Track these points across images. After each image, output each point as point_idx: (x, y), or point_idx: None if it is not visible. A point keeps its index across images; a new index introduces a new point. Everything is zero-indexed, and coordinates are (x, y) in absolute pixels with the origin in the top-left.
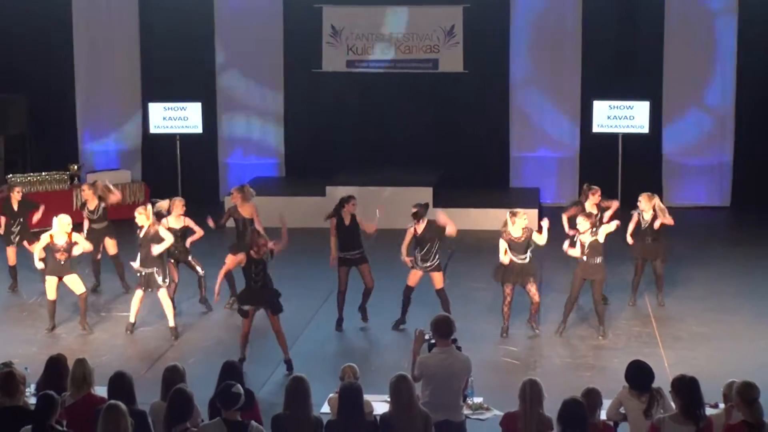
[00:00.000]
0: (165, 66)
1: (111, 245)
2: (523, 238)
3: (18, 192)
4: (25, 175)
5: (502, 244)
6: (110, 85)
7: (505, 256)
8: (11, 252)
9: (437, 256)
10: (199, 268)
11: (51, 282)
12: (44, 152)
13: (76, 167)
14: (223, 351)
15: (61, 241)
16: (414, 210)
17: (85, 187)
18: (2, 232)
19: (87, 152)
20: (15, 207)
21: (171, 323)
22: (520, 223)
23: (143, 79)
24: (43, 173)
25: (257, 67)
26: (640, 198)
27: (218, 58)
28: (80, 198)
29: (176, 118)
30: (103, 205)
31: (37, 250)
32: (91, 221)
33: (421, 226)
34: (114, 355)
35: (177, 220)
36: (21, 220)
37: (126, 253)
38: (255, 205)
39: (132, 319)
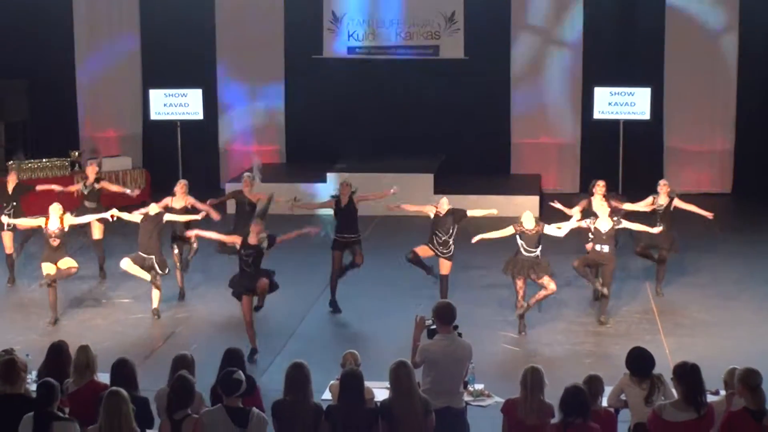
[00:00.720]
0: (166, 52)
1: (97, 229)
2: (534, 231)
3: (14, 175)
4: (26, 161)
5: (509, 231)
6: (111, 71)
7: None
8: (7, 238)
9: (451, 246)
10: (194, 244)
11: (47, 268)
12: (45, 139)
13: (76, 154)
14: (226, 338)
15: (54, 226)
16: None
17: (93, 165)
18: None
19: (88, 138)
20: (9, 190)
21: (155, 305)
22: (530, 219)
23: (144, 66)
24: (44, 160)
25: (258, 53)
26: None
27: (219, 44)
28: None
29: (177, 104)
30: (97, 186)
31: (20, 221)
32: (83, 196)
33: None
34: (115, 342)
35: (180, 200)
36: (14, 204)
37: (115, 241)
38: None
39: (146, 278)
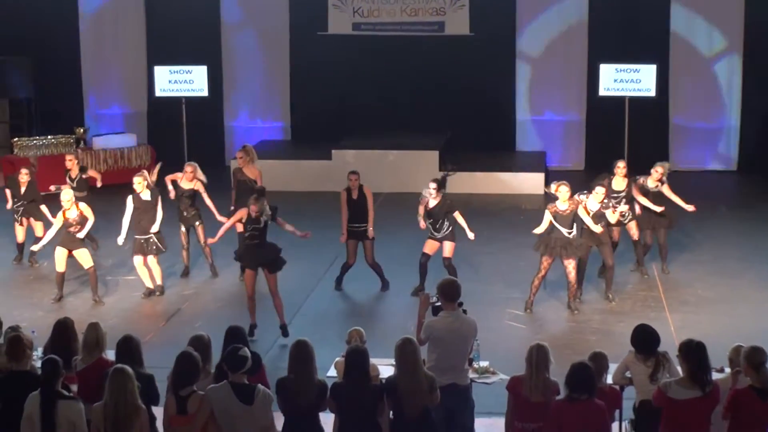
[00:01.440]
0: (171, 29)
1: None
2: (569, 211)
3: (26, 174)
4: (31, 138)
5: (547, 216)
6: (116, 48)
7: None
8: (20, 232)
9: (449, 227)
10: (202, 239)
11: (60, 253)
12: (50, 116)
13: (82, 131)
14: (230, 315)
15: (73, 214)
16: (435, 181)
17: (71, 156)
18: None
19: (92, 115)
20: (22, 191)
21: (158, 281)
22: (564, 193)
23: (149, 42)
24: (49, 137)
25: (263, 29)
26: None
27: (224, 21)
28: (66, 166)
29: (182, 81)
30: (83, 175)
31: (50, 234)
32: (72, 189)
33: (435, 200)
34: (121, 319)
35: (188, 182)
36: (25, 203)
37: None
38: (259, 168)
39: (150, 285)
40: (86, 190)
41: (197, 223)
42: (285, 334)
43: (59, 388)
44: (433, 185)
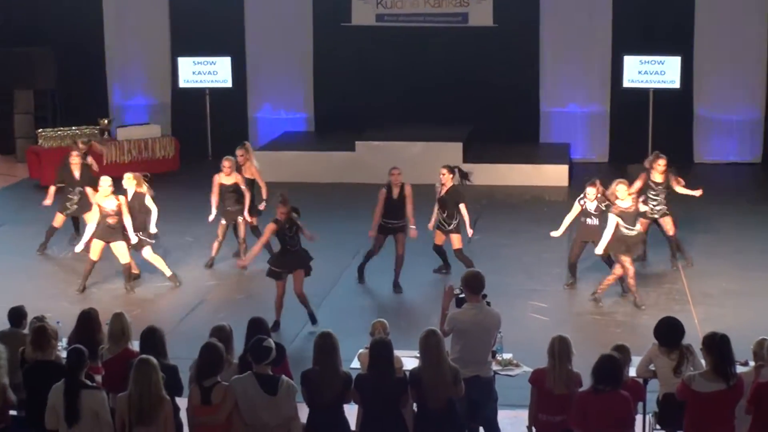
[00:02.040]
0: (195, 20)
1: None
2: (632, 209)
3: (76, 156)
4: (55, 129)
5: (613, 219)
6: (139, 39)
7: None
8: (59, 220)
9: (457, 219)
10: (241, 236)
11: (97, 245)
12: (74, 107)
13: (106, 121)
14: (252, 307)
15: (111, 205)
16: (446, 167)
17: (76, 152)
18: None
19: (116, 106)
20: (77, 175)
21: (167, 273)
22: (623, 191)
23: (172, 34)
24: (73, 128)
25: (287, 21)
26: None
27: (247, 12)
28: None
29: (206, 72)
30: (84, 162)
31: (89, 231)
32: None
33: (445, 188)
34: (145, 310)
35: (230, 177)
36: (80, 190)
37: None
38: (258, 166)
39: (168, 273)
40: (88, 179)
41: (240, 218)
42: (314, 321)
43: (83, 378)
44: (443, 170)
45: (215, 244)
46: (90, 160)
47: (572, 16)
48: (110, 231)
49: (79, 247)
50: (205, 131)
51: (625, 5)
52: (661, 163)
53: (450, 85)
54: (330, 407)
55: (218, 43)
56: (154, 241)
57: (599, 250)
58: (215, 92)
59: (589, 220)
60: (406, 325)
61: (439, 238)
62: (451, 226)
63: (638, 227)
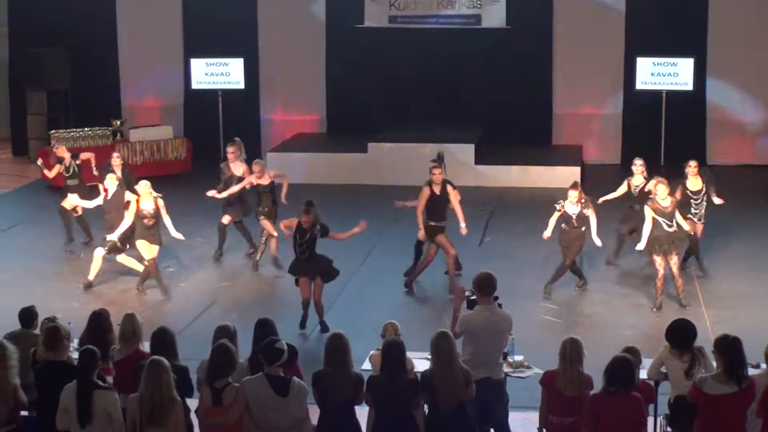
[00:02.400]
0: (207, 21)
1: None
2: (670, 209)
3: (117, 158)
4: (68, 130)
5: (648, 212)
6: (152, 40)
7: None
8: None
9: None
10: (268, 232)
11: (143, 245)
12: (87, 108)
13: (118, 123)
14: (264, 308)
15: (148, 206)
16: (435, 164)
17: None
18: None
19: (129, 108)
20: (118, 173)
21: (91, 277)
22: (663, 191)
23: (185, 35)
24: (86, 129)
25: (299, 22)
26: (636, 162)
27: (260, 13)
28: (55, 157)
29: (218, 73)
30: (77, 161)
31: (124, 225)
32: (66, 177)
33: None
34: (156, 311)
35: (264, 179)
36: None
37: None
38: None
39: (92, 277)
40: (78, 178)
41: (263, 218)
42: (324, 330)
43: (95, 378)
44: (431, 164)
45: (273, 243)
46: (84, 156)
47: (585, 18)
48: (150, 232)
49: (112, 236)
50: (217, 133)
51: (637, 7)
52: (693, 165)
53: (462, 87)
54: (341, 408)
55: (231, 45)
56: (126, 247)
57: (641, 246)
58: (228, 94)
59: (566, 226)
60: (418, 326)
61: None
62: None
63: (674, 226)
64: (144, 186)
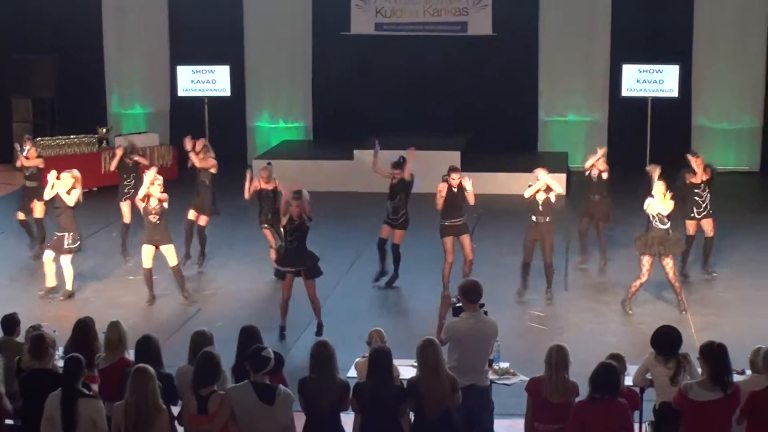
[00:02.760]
0: (193, 29)
1: (38, 208)
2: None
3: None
4: (53, 138)
5: (649, 200)
6: (138, 47)
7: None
8: (126, 207)
9: (404, 214)
10: (269, 242)
11: (147, 251)
12: (72, 115)
13: (104, 130)
14: (250, 315)
15: (153, 202)
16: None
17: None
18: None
19: (115, 115)
20: (131, 162)
21: (68, 286)
22: (669, 204)
23: (171, 42)
24: (71, 136)
25: (285, 29)
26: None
27: (246, 20)
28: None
29: (204, 81)
30: (38, 164)
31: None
32: (25, 178)
33: (397, 179)
34: (141, 319)
35: (269, 184)
36: (135, 175)
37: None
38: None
39: (51, 283)
40: (37, 181)
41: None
42: (319, 333)
43: (80, 386)
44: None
45: (272, 252)
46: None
47: (571, 25)
48: (156, 233)
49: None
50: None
51: (623, 14)
52: (700, 161)
53: (449, 94)
54: (327, 416)
55: (217, 52)
56: (77, 251)
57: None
58: (214, 101)
59: (535, 218)
60: (404, 333)
61: (387, 232)
62: (398, 221)
63: (668, 224)
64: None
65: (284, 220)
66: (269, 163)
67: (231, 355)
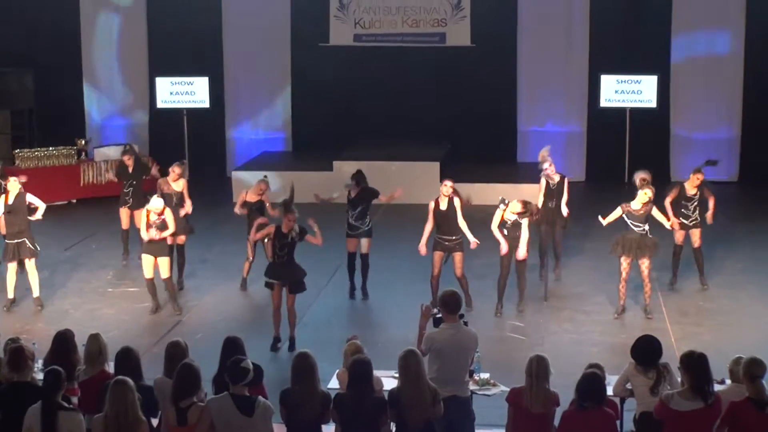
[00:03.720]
0: (172, 40)
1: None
2: (642, 211)
3: (129, 158)
4: (32, 150)
5: (618, 211)
6: (117, 59)
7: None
8: (124, 215)
9: (369, 222)
10: (247, 254)
11: (147, 261)
12: (51, 127)
13: (83, 142)
14: (230, 327)
15: (154, 217)
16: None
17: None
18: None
19: (94, 127)
20: (130, 169)
21: (36, 292)
22: (642, 197)
23: (150, 54)
24: (50, 148)
25: (265, 41)
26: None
27: (225, 32)
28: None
29: (183, 92)
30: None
31: (142, 225)
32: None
33: (356, 192)
34: (122, 331)
35: (254, 195)
36: (134, 182)
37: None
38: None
39: (11, 296)
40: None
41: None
42: (291, 348)
43: (60, 399)
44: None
45: (246, 265)
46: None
47: (549, 35)
48: (158, 246)
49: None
50: (182, 151)
51: (601, 25)
52: (699, 178)
53: (427, 105)
54: (308, 427)
55: (196, 64)
56: (36, 254)
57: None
58: (193, 112)
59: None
60: (383, 345)
61: (353, 245)
62: (361, 230)
63: (646, 226)
64: (155, 202)
65: (260, 236)
66: (266, 176)
67: (210, 367)
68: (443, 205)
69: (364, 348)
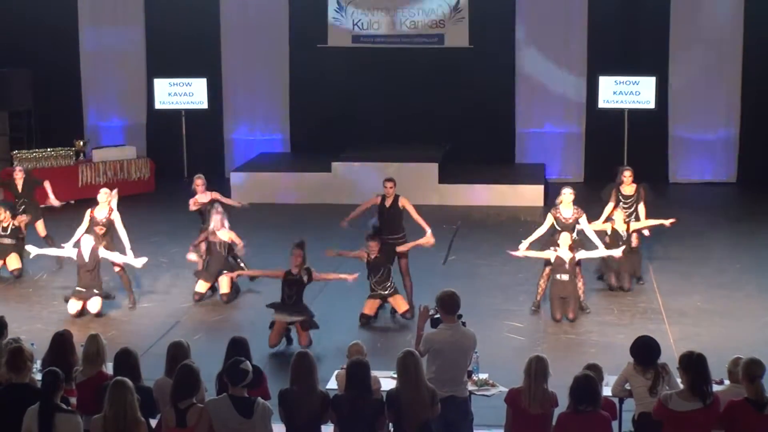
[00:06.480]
0: (170, 41)
1: (40, 226)
2: (571, 221)
3: (20, 171)
4: (30, 151)
5: (549, 219)
6: (115, 60)
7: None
8: (40, 226)
9: (392, 283)
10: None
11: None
12: (49, 128)
13: (81, 143)
14: (229, 328)
15: (101, 215)
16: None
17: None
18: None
19: (92, 128)
20: (19, 187)
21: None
22: (567, 199)
23: (148, 55)
24: (48, 149)
25: (263, 42)
26: None
27: (223, 33)
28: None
29: (181, 93)
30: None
31: (78, 232)
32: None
33: (375, 252)
34: (120, 332)
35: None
36: (26, 200)
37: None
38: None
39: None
40: (15, 239)
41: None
42: (289, 341)
43: (58, 400)
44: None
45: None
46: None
47: (547, 37)
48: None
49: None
50: (180, 153)
51: (600, 26)
52: (627, 175)
53: (426, 106)
54: (307, 427)
55: (194, 65)
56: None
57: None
58: (191, 114)
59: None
60: (383, 345)
61: (371, 306)
62: (388, 292)
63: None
64: (102, 194)
65: (280, 274)
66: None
67: (209, 367)
68: (388, 203)
69: (364, 348)
